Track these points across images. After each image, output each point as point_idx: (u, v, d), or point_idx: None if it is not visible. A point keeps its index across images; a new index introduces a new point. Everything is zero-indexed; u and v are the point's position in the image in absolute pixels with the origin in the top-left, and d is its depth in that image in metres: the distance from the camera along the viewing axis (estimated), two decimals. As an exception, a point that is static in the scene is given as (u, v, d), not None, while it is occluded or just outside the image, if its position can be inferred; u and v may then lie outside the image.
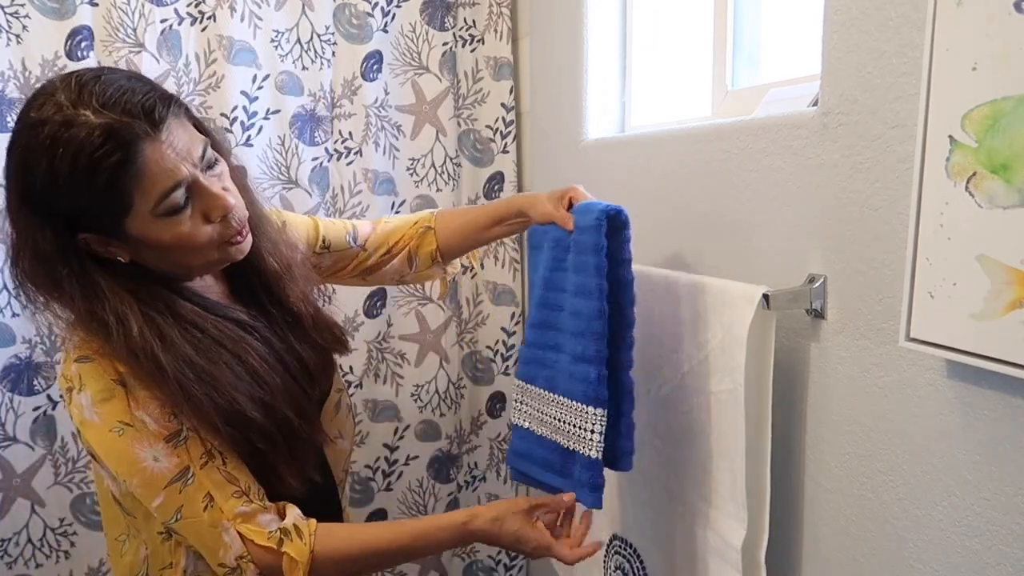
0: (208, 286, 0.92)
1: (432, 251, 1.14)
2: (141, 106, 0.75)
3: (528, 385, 0.98)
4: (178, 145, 0.78)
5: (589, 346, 0.86)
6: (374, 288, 1.63)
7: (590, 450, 0.86)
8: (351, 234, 1.12)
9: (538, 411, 0.95)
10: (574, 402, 0.89)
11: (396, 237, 1.13)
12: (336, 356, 1.05)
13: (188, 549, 0.88)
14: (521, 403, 0.99)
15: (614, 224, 0.85)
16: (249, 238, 0.88)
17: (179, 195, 0.78)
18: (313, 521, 0.88)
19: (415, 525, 0.93)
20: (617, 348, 0.88)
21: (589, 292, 0.86)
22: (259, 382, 0.86)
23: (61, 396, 1.40)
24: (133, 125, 0.74)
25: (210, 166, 0.82)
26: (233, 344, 0.86)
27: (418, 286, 1.67)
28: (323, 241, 1.10)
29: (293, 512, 0.87)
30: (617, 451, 0.89)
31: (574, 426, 0.89)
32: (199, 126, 0.84)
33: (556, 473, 0.93)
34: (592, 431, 0.86)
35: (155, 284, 0.84)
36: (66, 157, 0.73)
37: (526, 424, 0.98)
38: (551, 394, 0.93)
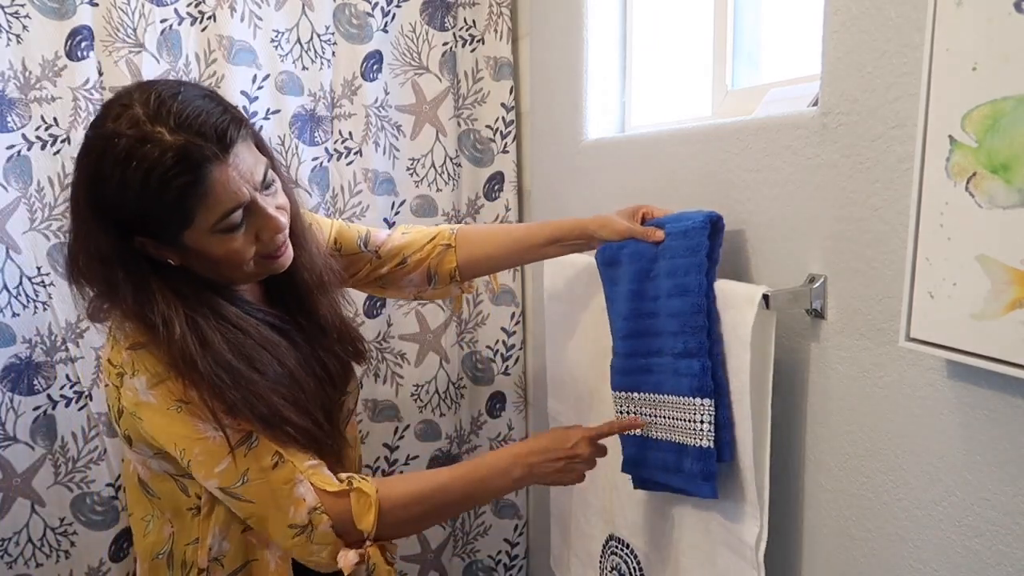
0: (245, 289, 0.96)
1: (451, 269, 1.15)
2: (215, 128, 0.79)
3: (632, 394, 0.99)
4: (243, 168, 0.82)
5: (691, 340, 0.87)
6: (374, 288, 1.64)
7: (701, 440, 0.87)
8: (362, 238, 1.14)
9: (646, 416, 0.97)
10: (682, 397, 0.89)
11: (411, 250, 1.14)
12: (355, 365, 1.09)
13: (215, 528, 0.91)
14: (626, 414, 1.00)
15: (716, 227, 0.88)
16: (289, 252, 0.92)
17: (237, 216, 0.83)
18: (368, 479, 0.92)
19: (470, 461, 0.99)
20: (713, 343, 0.88)
21: (687, 290, 0.87)
22: (296, 384, 0.90)
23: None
24: (205, 148, 0.78)
25: (267, 186, 0.87)
26: (273, 347, 0.90)
27: (418, 286, 1.67)
28: (335, 243, 1.12)
29: (345, 474, 0.92)
30: (720, 442, 0.88)
31: (684, 421, 0.89)
32: (260, 147, 0.88)
33: (672, 472, 0.93)
34: (702, 421, 0.87)
35: (201, 286, 0.87)
36: (139, 171, 0.77)
37: (635, 431, 0.99)
38: (658, 396, 0.94)
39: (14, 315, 1.38)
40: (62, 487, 1.44)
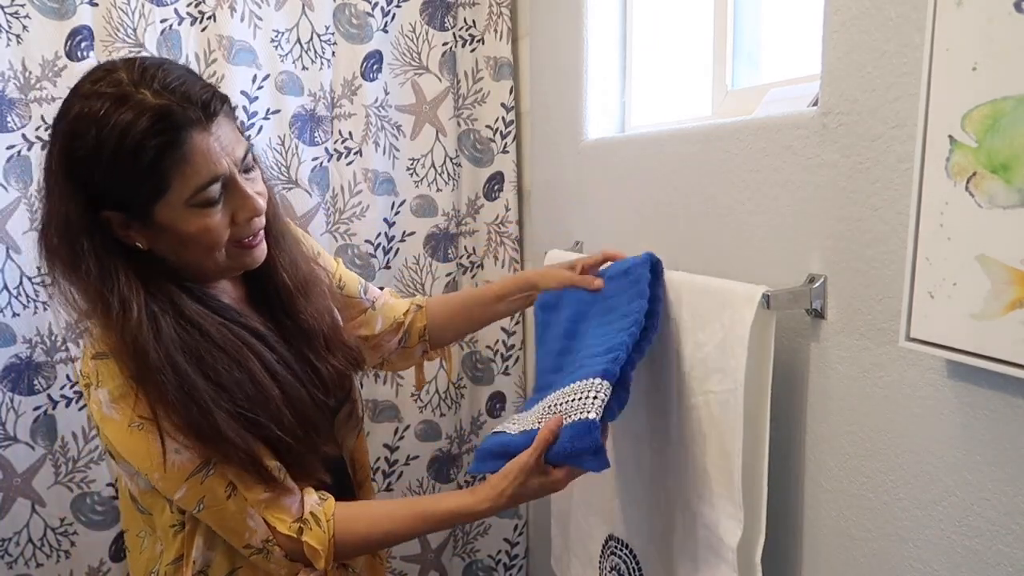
0: (224, 291, 0.93)
1: (422, 328, 1.15)
2: (199, 97, 0.78)
3: (526, 407, 0.97)
4: (224, 140, 0.80)
5: (615, 338, 0.87)
6: (374, 288, 1.63)
7: (589, 413, 0.84)
8: (362, 286, 1.14)
9: (527, 415, 0.94)
10: (579, 382, 0.88)
11: (398, 311, 1.15)
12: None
13: (199, 541, 0.89)
14: (509, 423, 0.96)
15: (656, 267, 0.92)
16: (263, 247, 0.89)
17: (215, 189, 0.80)
18: (330, 505, 0.89)
19: (428, 498, 0.97)
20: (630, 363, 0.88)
21: (620, 309, 0.89)
22: (260, 389, 0.86)
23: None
24: (188, 111, 0.76)
25: (248, 169, 0.84)
26: (236, 349, 0.85)
27: (417, 284, 1.67)
28: (339, 279, 1.11)
29: (311, 499, 0.89)
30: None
31: (573, 400, 0.87)
32: (240, 131, 0.86)
33: (571, 455, 0.88)
34: (595, 397, 0.85)
35: (167, 279, 0.84)
36: (116, 129, 0.74)
37: (501, 428, 0.95)
38: (557, 391, 0.92)
39: (14, 315, 1.38)
40: (62, 487, 1.44)
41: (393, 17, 1.59)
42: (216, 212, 0.81)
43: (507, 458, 0.90)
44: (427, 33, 1.61)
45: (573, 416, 0.86)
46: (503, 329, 1.71)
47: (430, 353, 1.19)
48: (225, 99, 0.82)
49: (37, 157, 1.36)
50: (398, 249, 1.66)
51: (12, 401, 1.40)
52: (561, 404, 0.88)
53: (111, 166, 0.76)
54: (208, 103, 0.78)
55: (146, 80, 0.76)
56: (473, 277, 1.72)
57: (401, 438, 1.70)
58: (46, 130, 1.36)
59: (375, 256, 1.63)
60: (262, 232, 0.88)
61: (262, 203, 0.85)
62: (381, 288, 1.19)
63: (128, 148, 0.75)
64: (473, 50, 1.65)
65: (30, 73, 1.35)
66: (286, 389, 0.89)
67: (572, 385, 0.89)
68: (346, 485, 1.04)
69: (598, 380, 0.86)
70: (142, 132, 0.75)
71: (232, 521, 0.85)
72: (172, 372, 0.79)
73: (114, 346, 0.81)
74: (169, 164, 0.76)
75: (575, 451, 0.84)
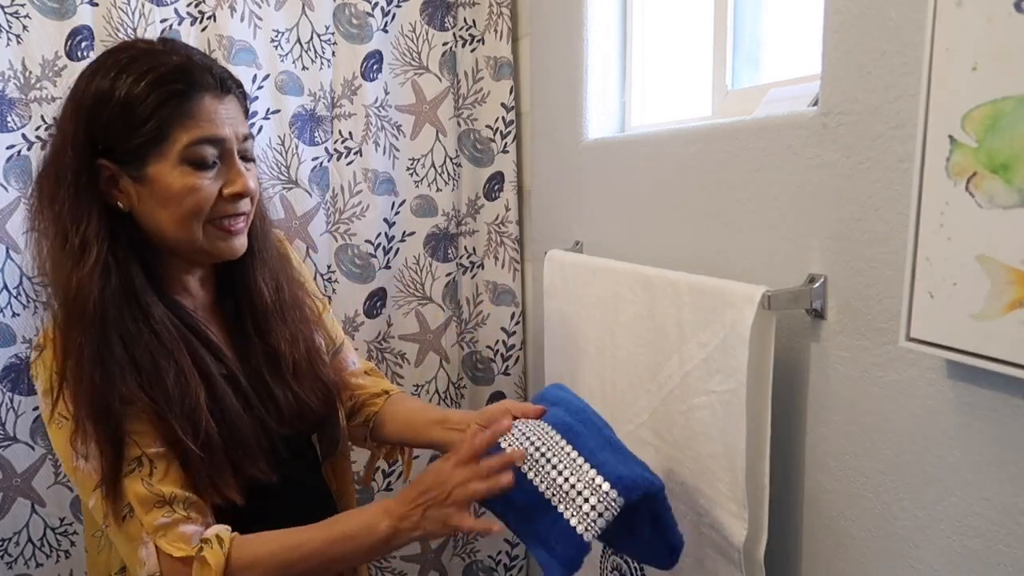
0: (191, 292, 0.91)
1: (371, 413, 1.11)
2: (218, 71, 0.83)
3: (548, 427, 0.86)
4: (232, 113, 0.84)
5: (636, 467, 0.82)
6: (374, 288, 1.63)
7: (586, 526, 0.78)
8: (335, 347, 1.10)
9: (544, 460, 0.83)
10: (593, 469, 0.80)
11: (363, 394, 1.12)
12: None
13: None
14: (523, 436, 0.86)
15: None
16: (243, 239, 0.88)
17: (211, 152, 0.82)
18: (236, 534, 0.82)
19: (336, 517, 0.88)
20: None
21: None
22: (182, 383, 0.82)
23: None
24: (206, 76, 0.81)
25: (246, 157, 0.86)
26: (171, 340, 0.83)
27: (417, 284, 1.67)
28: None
29: (220, 527, 0.82)
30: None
31: (580, 492, 0.80)
32: (247, 120, 0.90)
33: (528, 525, 0.82)
34: (600, 514, 0.78)
35: (135, 252, 0.83)
36: (135, 73, 0.79)
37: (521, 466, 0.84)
38: (572, 450, 0.83)
39: (14, 315, 1.38)
40: (62, 487, 1.44)
41: (393, 17, 1.59)
42: (206, 176, 0.82)
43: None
44: (427, 33, 1.61)
45: (567, 504, 0.79)
46: (503, 329, 1.71)
47: (379, 448, 1.13)
48: (241, 85, 0.87)
49: (37, 157, 1.36)
50: (398, 249, 1.66)
51: (12, 401, 1.40)
52: (567, 482, 0.81)
53: (119, 107, 0.78)
54: (225, 80, 0.84)
55: (176, 48, 0.83)
56: (473, 277, 1.72)
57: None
58: (46, 130, 1.36)
59: (375, 256, 1.63)
60: (245, 223, 0.88)
61: (253, 185, 0.86)
62: (364, 360, 1.15)
63: (139, 91, 0.78)
64: (473, 50, 1.65)
65: (30, 73, 1.35)
66: (217, 397, 0.85)
67: (585, 463, 0.81)
68: (313, 520, 0.98)
69: (612, 492, 0.78)
70: (157, 77, 0.79)
71: (128, 547, 0.80)
72: (98, 332, 0.78)
73: (54, 336, 0.80)
74: (173, 113, 0.79)
75: (556, 552, 0.78)
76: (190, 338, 0.86)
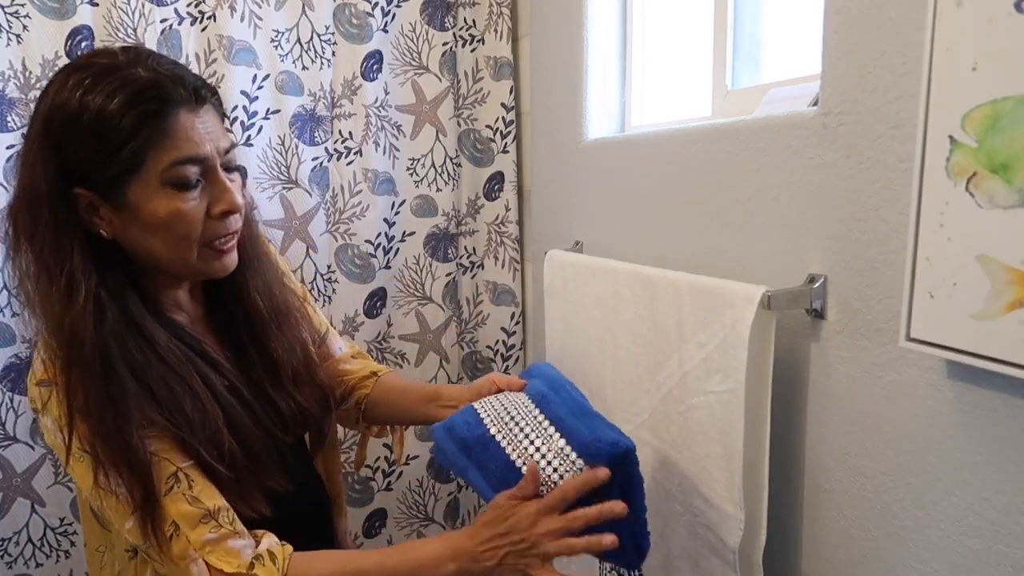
0: (181, 305, 0.89)
1: (361, 396, 1.10)
2: (191, 82, 0.77)
3: (525, 398, 0.91)
4: (210, 127, 0.79)
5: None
6: (374, 288, 1.63)
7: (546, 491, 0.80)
8: (321, 336, 1.09)
9: (515, 425, 0.87)
10: (567, 446, 0.82)
11: (351, 379, 1.11)
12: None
13: (149, 573, 0.84)
14: (502, 408, 0.90)
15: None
16: (234, 255, 0.86)
17: (193, 171, 0.77)
18: (289, 547, 0.81)
19: (399, 547, 0.86)
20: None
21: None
22: (198, 406, 0.80)
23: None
24: (178, 89, 0.76)
25: (230, 168, 0.82)
26: (179, 364, 0.81)
27: (417, 284, 1.67)
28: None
29: (269, 539, 0.81)
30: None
31: (548, 463, 0.82)
32: (227, 129, 0.85)
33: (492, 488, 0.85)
34: (561, 476, 0.80)
35: (124, 276, 0.80)
36: (101, 95, 0.73)
37: (490, 427, 0.87)
38: (543, 417, 0.87)
39: (14, 315, 1.38)
40: (62, 487, 1.44)
41: (393, 17, 1.59)
42: (191, 198, 0.78)
43: (465, 453, 0.86)
44: (427, 33, 1.61)
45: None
46: (503, 329, 1.71)
47: (370, 428, 1.13)
48: (215, 92, 0.81)
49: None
50: (398, 249, 1.66)
51: (12, 401, 1.40)
52: (537, 452, 0.83)
53: (90, 132, 0.73)
54: (198, 89, 0.78)
55: (140, 60, 0.76)
56: (473, 277, 1.72)
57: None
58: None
59: (375, 256, 1.63)
60: (235, 238, 0.85)
61: (240, 200, 0.82)
62: (349, 342, 1.15)
63: (109, 114, 0.73)
64: (473, 50, 1.65)
65: (30, 73, 1.35)
66: (230, 415, 0.83)
67: (555, 431, 0.84)
68: (316, 518, 0.99)
69: (573, 454, 0.81)
70: (127, 98, 0.73)
71: (178, 566, 0.77)
72: (101, 369, 0.75)
73: (49, 332, 0.77)
74: (149, 135, 0.74)
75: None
76: (194, 358, 0.84)
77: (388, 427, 1.15)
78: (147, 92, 0.74)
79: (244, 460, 0.83)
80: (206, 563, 0.77)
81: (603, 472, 0.79)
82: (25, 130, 0.79)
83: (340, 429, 1.13)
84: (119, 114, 0.73)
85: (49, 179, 0.75)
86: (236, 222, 0.84)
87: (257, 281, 0.92)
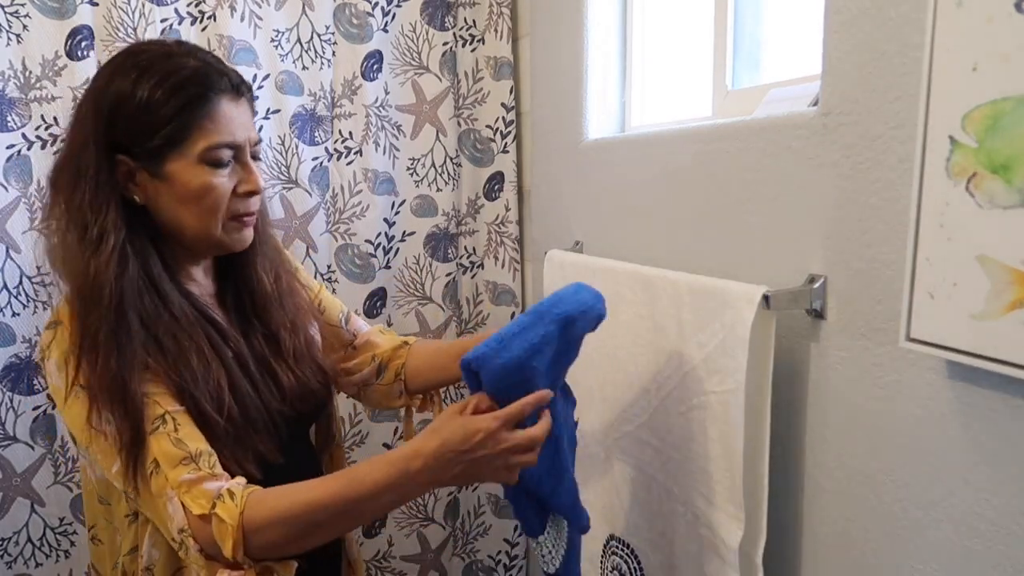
0: (197, 281, 0.95)
1: (399, 366, 1.13)
2: (234, 75, 0.88)
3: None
4: (245, 118, 0.89)
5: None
6: (374, 288, 1.63)
7: None
8: (343, 314, 1.15)
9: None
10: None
11: (382, 350, 1.14)
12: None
13: (147, 535, 0.86)
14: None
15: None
16: (251, 231, 0.94)
17: (227, 153, 0.86)
18: (252, 486, 0.81)
19: (350, 468, 0.84)
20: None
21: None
22: (203, 362, 0.86)
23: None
24: (223, 80, 0.86)
25: (256, 156, 0.92)
26: (189, 324, 0.87)
27: (417, 284, 1.67)
28: (319, 304, 1.12)
29: (239, 480, 0.81)
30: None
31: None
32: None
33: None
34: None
35: (150, 243, 0.87)
36: (155, 76, 0.83)
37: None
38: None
39: (14, 315, 1.38)
40: (62, 487, 1.44)
41: (393, 17, 1.59)
42: (222, 175, 0.86)
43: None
44: (427, 33, 1.61)
45: None
46: (503, 329, 1.71)
47: (413, 399, 1.14)
48: (251, 90, 0.91)
49: (37, 156, 1.36)
50: (398, 249, 1.66)
51: (12, 401, 1.40)
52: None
53: (142, 107, 0.82)
54: (239, 84, 0.88)
55: (190, 50, 0.87)
56: (473, 277, 1.72)
57: (400, 438, 1.70)
58: (46, 129, 1.36)
59: (375, 256, 1.63)
60: (255, 217, 0.93)
61: (263, 184, 0.91)
62: (372, 324, 1.18)
63: (163, 93, 0.82)
64: (473, 50, 1.65)
65: (30, 73, 1.35)
66: (232, 378, 0.89)
67: None
68: None
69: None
70: (180, 81, 0.83)
71: (157, 504, 0.80)
72: (115, 314, 0.81)
73: (70, 313, 0.82)
74: (194, 117, 0.83)
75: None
76: (204, 323, 0.90)
77: (429, 397, 1.17)
78: (195, 78, 0.84)
79: (240, 420, 0.88)
80: (181, 503, 0.79)
81: (546, 393, 0.82)
82: (79, 98, 0.88)
83: (341, 428, 1.13)
84: (167, 95, 0.82)
85: (98, 145, 0.83)
86: (257, 203, 0.93)
87: (264, 262, 0.99)
